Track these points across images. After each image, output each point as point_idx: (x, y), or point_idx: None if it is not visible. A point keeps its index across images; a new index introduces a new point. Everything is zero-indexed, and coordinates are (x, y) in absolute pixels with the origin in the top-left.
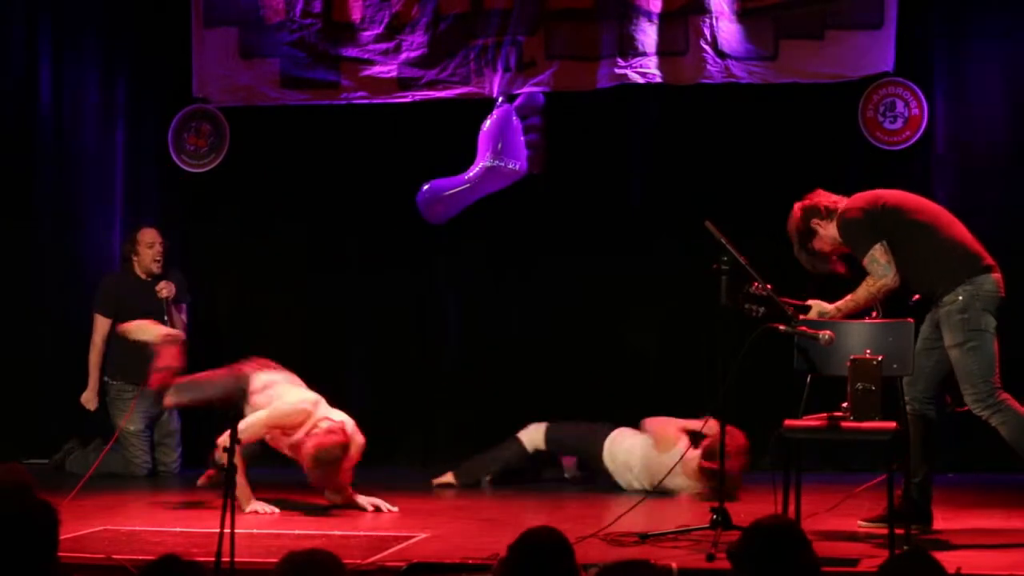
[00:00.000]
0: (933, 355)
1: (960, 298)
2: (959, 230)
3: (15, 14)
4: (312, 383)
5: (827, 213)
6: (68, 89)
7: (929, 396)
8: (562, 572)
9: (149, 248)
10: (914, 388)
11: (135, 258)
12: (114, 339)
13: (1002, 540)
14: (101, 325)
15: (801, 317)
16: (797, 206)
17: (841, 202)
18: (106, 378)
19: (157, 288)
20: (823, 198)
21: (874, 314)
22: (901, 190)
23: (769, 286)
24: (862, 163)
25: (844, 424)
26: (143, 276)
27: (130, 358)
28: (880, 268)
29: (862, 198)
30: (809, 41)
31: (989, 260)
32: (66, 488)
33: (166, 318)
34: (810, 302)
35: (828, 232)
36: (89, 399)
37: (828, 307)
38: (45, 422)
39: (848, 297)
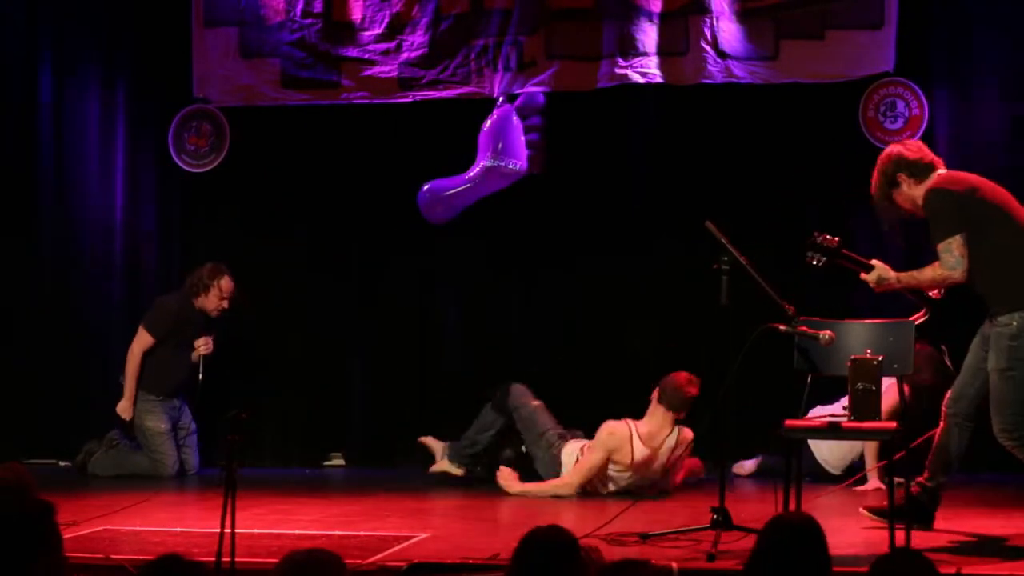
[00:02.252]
0: (980, 375)
1: (1014, 323)
2: None
3: (15, 14)
4: (311, 382)
5: (918, 170)
6: (68, 88)
7: (971, 415)
8: (569, 572)
9: (220, 299)
10: (957, 405)
11: (203, 295)
12: (150, 357)
13: (1001, 542)
14: (145, 341)
15: (863, 276)
16: (893, 149)
17: (939, 165)
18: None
19: (196, 343)
20: (919, 152)
21: (935, 294)
22: (995, 183)
23: (837, 239)
24: (863, 163)
25: (844, 424)
26: (197, 309)
27: (161, 376)
28: (952, 260)
29: (961, 180)
30: (810, 41)
31: None
32: (93, 489)
33: (200, 375)
34: (874, 261)
35: (912, 192)
36: (125, 408)
37: (891, 274)
38: (51, 425)
39: (914, 272)
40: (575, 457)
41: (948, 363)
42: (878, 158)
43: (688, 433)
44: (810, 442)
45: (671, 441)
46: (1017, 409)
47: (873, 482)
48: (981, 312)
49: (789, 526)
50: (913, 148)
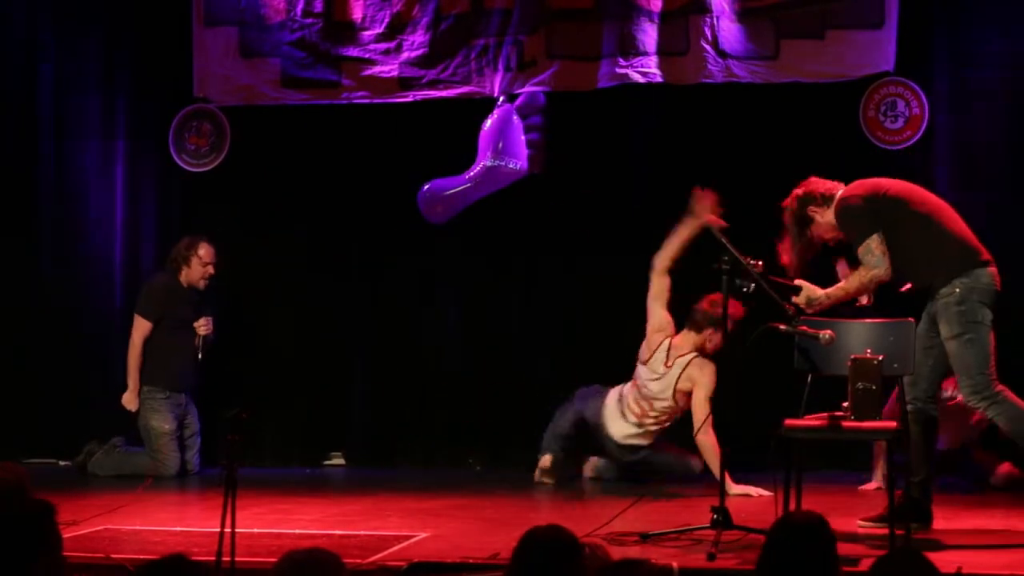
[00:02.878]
0: (932, 353)
1: (957, 290)
2: (958, 224)
3: (16, 14)
4: (311, 382)
5: (824, 200)
6: (69, 88)
7: (931, 395)
8: (569, 572)
9: (202, 266)
10: (916, 388)
11: (185, 267)
12: (150, 344)
13: (1002, 540)
14: (142, 327)
15: (793, 298)
16: (793, 194)
17: (838, 188)
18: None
19: (196, 324)
20: (819, 185)
21: (864, 301)
22: (902, 180)
23: (760, 263)
24: (863, 163)
25: (845, 424)
26: (185, 285)
27: (164, 366)
28: (874, 259)
29: (863, 186)
30: (810, 41)
31: (986, 255)
32: (94, 489)
33: (200, 355)
34: (798, 282)
35: (825, 219)
36: (130, 400)
37: (818, 292)
38: (51, 425)
39: (839, 285)
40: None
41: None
42: (783, 208)
43: (700, 364)
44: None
45: (683, 360)
46: (982, 368)
47: (875, 482)
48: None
49: (798, 525)
50: (810, 183)
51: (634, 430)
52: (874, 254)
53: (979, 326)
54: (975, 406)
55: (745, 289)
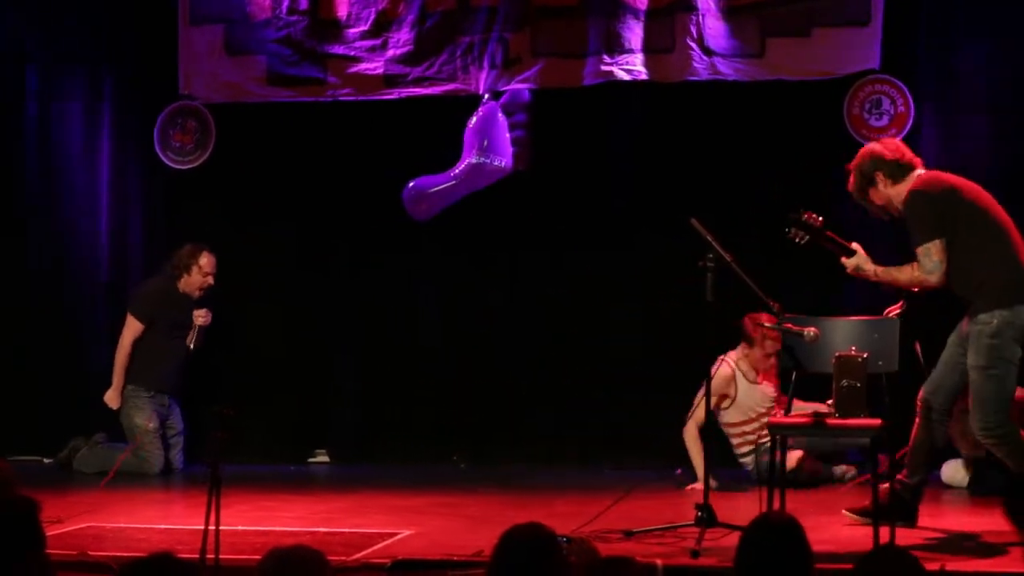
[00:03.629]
0: (958, 370)
1: (995, 322)
2: (1020, 250)
3: (1, 12)
4: (296, 380)
5: (897, 172)
6: (55, 86)
7: (946, 408)
8: (549, 568)
9: (203, 276)
10: (934, 398)
11: (185, 275)
12: (139, 344)
13: (985, 539)
14: (134, 328)
15: (843, 259)
16: (871, 147)
17: (916, 165)
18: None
19: (196, 313)
20: (897, 152)
21: (899, 308)
22: (976, 184)
23: (821, 218)
24: (848, 160)
25: (829, 421)
26: (181, 291)
27: (151, 367)
28: (931, 264)
29: (939, 180)
30: (795, 39)
31: None
32: (78, 485)
33: (190, 341)
34: (854, 245)
35: (888, 192)
36: (113, 398)
37: (869, 265)
38: (39, 421)
39: (892, 269)
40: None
41: (920, 356)
42: (857, 155)
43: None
44: None
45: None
46: (999, 407)
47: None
48: (958, 305)
49: (771, 525)
50: (891, 147)
51: None
52: (932, 259)
53: (1007, 364)
54: (980, 439)
55: (797, 239)
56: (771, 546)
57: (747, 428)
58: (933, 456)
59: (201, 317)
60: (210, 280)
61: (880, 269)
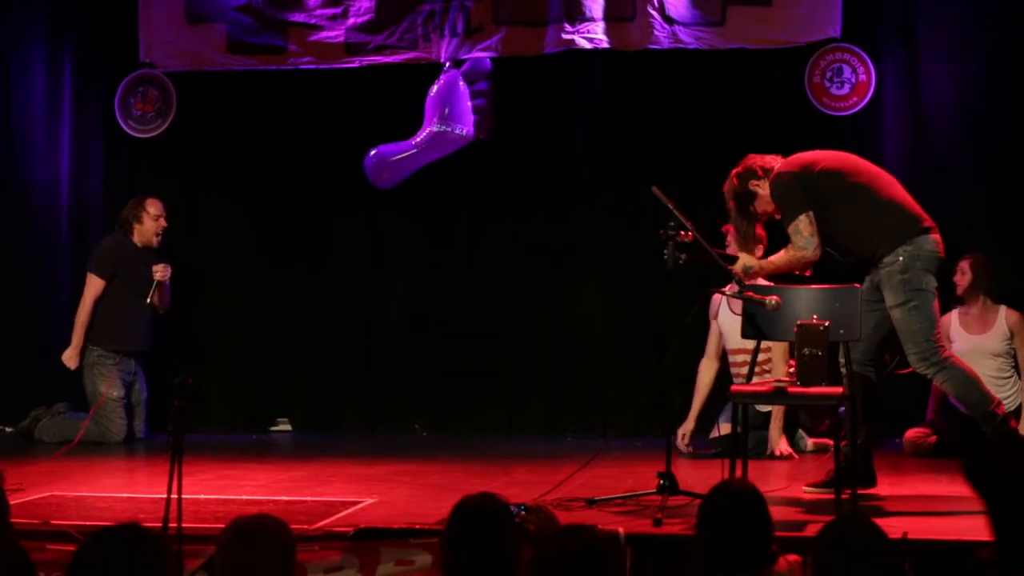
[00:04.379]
0: (873, 317)
1: (900, 259)
2: (898, 191)
3: None
4: (258, 349)
5: (764, 173)
6: (14, 54)
7: (869, 358)
8: (502, 537)
9: (154, 220)
10: (855, 350)
11: (137, 226)
12: (102, 304)
13: (947, 506)
14: (95, 285)
15: (730, 268)
16: (733, 172)
17: (776, 161)
18: (88, 343)
19: (154, 268)
20: (757, 159)
21: (807, 272)
22: (839, 151)
23: (692, 233)
24: (809, 128)
25: (791, 389)
26: (139, 244)
27: (115, 327)
28: (802, 240)
29: (797, 161)
30: (756, 7)
31: (928, 221)
32: (40, 454)
33: (151, 298)
34: (738, 253)
35: (767, 191)
36: (71, 357)
37: (753, 261)
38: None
39: (771, 257)
40: None
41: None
42: (725, 187)
43: None
44: None
45: None
46: (927, 334)
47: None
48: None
49: (730, 492)
50: (749, 159)
51: None
52: (802, 235)
53: (924, 293)
54: (923, 373)
55: (680, 262)
56: (731, 513)
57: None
58: (869, 412)
59: (159, 272)
60: (162, 223)
61: (763, 262)
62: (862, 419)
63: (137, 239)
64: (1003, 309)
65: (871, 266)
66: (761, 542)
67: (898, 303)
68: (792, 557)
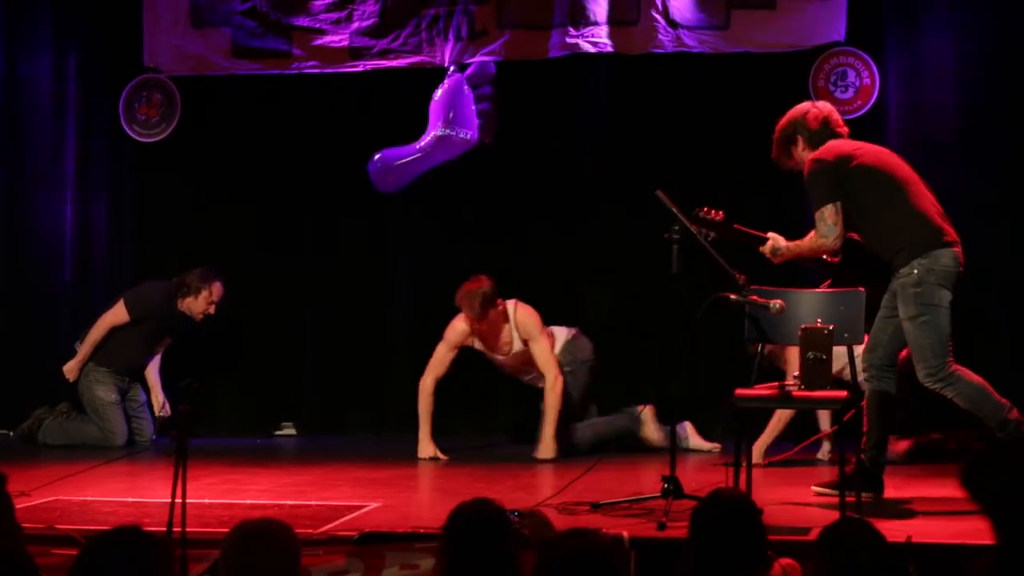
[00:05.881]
0: (891, 323)
1: (915, 272)
2: (928, 201)
3: None
4: (263, 353)
5: (815, 139)
6: (20, 58)
7: (887, 364)
8: (499, 543)
9: (207, 303)
10: (872, 355)
11: (190, 297)
12: (116, 331)
13: (951, 510)
14: (120, 317)
15: (760, 248)
16: (803, 109)
17: (843, 133)
18: (90, 360)
19: (158, 408)
20: (824, 123)
21: (835, 259)
22: (881, 147)
23: (722, 212)
24: None
25: (795, 393)
26: (181, 309)
27: (120, 356)
28: (825, 228)
29: (837, 149)
30: (761, 11)
31: (951, 236)
32: (40, 458)
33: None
34: (769, 234)
35: (803, 155)
36: (73, 369)
37: (782, 243)
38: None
39: (798, 241)
40: None
41: None
42: (789, 112)
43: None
44: None
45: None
46: (936, 351)
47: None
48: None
49: (721, 501)
50: (818, 116)
51: None
52: (826, 223)
53: (936, 309)
54: (931, 388)
55: (706, 238)
56: (722, 523)
57: None
58: (884, 419)
59: (161, 411)
60: (212, 310)
61: (790, 244)
62: (876, 427)
63: (182, 305)
64: None
65: (890, 273)
66: (753, 549)
67: (909, 316)
68: (786, 561)
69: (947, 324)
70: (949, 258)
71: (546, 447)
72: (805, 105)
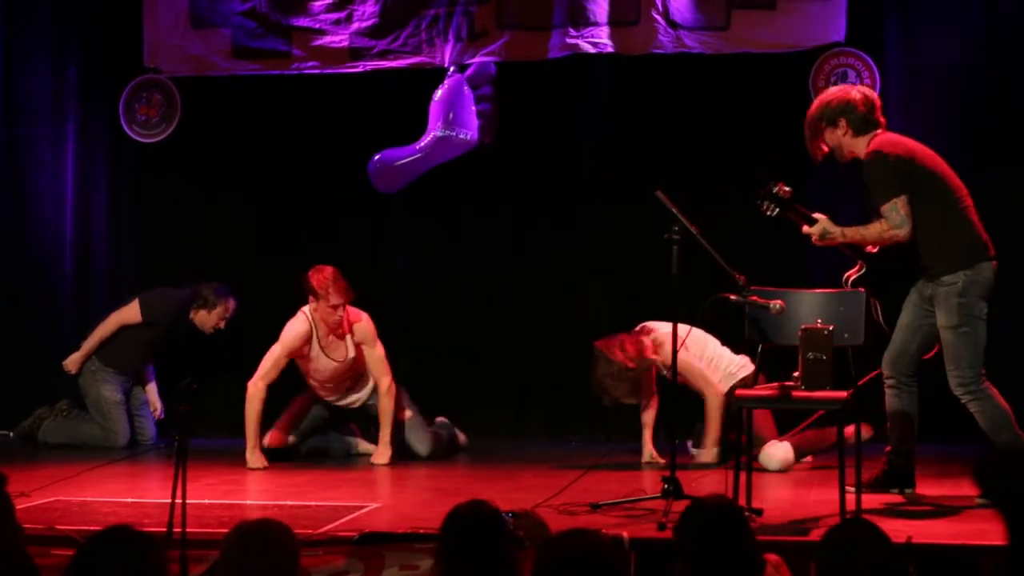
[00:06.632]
0: (922, 331)
1: (960, 282)
2: (974, 212)
3: None
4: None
5: (861, 126)
6: (19, 59)
7: (912, 374)
8: (496, 544)
9: (218, 319)
10: (899, 364)
11: (204, 310)
12: (123, 330)
13: (952, 510)
14: (131, 316)
15: (805, 229)
16: (848, 92)
17: (883, 123)
18: (93, 355)
19: (152, 407)
20: (871, 109)
21: (873, 249)
22: (930, 150)
23: (790, 189)
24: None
25: (795, 393)
26: (191, 319)
27: (124, 355)
28: (898, 219)
29: (900, 143)
30: (761, 11)
31: (992, 250)
32: (40, 458)
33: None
34: (817, 215)
35: (844, 139)
36: (74, 362)
37: (835, 228)
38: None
39: (858, 227)
40: None
41: (880, 320)
42: (831, 91)
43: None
44: None
45: None
46: (973, 363)
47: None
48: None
49: (704, 509)
50: (865, 100)
51: None
52: (899, 214)
53: (976, 320)
54: (959, 397)
55: (768, 212)
56: (707, 532)
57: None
58: (912, 424)
59: (155, 411)
60: (222, 325)
61: (848, 229)
62: (910, 432)
63: (195, 316)
64: None
65: (923, 277)
66: (743, 555)
67: (950, 325)
68: (773, 558)
69: (984, 336)
70: (990, 271)
71: (382, 452)
72: (845, 88)
